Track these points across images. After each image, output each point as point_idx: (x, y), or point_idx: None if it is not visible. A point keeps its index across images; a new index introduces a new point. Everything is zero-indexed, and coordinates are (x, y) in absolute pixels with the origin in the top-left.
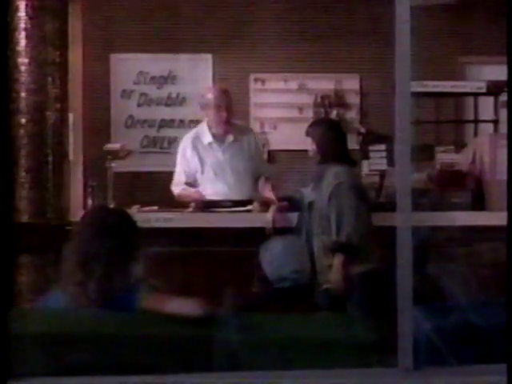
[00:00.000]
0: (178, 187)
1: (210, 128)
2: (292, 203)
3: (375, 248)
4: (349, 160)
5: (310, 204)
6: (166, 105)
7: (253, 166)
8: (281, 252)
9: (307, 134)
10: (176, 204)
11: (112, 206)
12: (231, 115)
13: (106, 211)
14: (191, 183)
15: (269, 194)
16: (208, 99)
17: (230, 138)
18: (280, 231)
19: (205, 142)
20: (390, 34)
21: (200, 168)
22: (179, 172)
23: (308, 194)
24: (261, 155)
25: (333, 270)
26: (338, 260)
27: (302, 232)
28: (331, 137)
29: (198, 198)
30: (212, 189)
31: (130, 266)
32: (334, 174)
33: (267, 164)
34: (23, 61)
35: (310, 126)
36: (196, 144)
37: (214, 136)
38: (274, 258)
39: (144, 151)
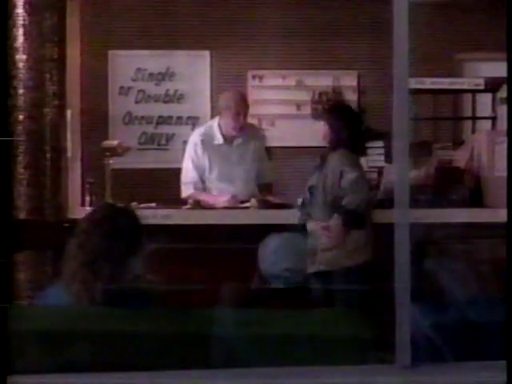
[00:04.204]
0: (188, 187)
1: (220, 128)
2: None
3: (368, 242)
4: (358, 148)
5: (311, 188)
6: (164, 101)
7: (257, 169)
8: (274, 250)
9: (321, 117)
10: (174, 201)
11: (120, 204)
12: (246, 120)
13: (116, 212)
14: (198, 183)
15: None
16: (228, 104)
17: (239, 139)
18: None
19: (215, 142)
20: (388, 30)
21: (208, 167)
22: (189, 170)
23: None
24: (265, 160)
25: (332, 227)
26: (337, 219)
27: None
28: (345, 122)
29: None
30: (217, 189)
31: (134, 265)
32: (339, 156)
33: (270, 169)
34: (21, 57)
35: (326, 110)
36: (206, 143)
37: (224, 137)
38: (268, 255)
39: (142, 148)
